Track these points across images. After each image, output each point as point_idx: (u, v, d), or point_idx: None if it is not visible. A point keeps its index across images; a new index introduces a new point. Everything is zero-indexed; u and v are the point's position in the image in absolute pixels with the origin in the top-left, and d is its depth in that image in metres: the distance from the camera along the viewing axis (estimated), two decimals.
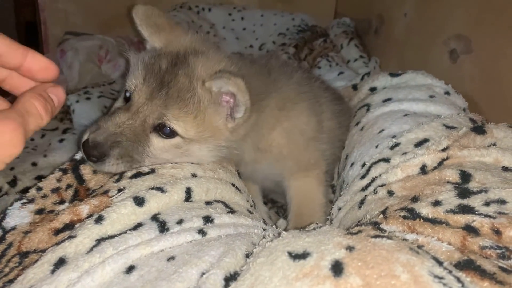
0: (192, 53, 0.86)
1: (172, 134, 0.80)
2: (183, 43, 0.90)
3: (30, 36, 3.31)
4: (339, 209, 0.87)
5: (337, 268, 0.46)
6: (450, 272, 0.46)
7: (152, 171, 0.75)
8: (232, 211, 0.72)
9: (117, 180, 0.73)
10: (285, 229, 1.03)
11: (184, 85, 0.81)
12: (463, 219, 0.59)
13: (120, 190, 0.69)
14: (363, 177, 0.85)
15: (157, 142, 0.81)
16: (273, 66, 1.03)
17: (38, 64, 0.60)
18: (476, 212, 0.59)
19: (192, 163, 0.83)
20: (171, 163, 0.81)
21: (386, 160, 0.82)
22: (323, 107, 1.08)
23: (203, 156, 0.85)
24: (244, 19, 2.19)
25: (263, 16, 2.21)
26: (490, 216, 0.57)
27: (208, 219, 0.65)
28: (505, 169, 0.69)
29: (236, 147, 0.89)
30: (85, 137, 0.77)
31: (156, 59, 0.84)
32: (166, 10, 2.08)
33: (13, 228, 0.65)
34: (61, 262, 0.57)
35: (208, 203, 0.71)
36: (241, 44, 2.12)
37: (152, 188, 0.68)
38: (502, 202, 0.60)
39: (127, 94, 0.85)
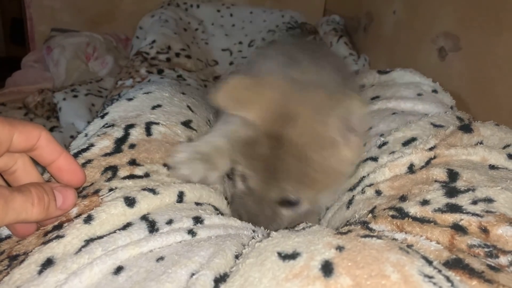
0: (281, 126, 0.76)
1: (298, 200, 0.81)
2: (273, 113, 0.78)
3: (16, 32, 3.26)
4: (327, 208, 0.87)
5: (327, 269, 0.46)
6: (439, 271, 0.46)
7: (146, 175, 0.74)
8: (221, 213, 0.72)
9: (109, 179, 0.72)
10: None
11: (293, 164, 0.76)
12: (451, 218, 0.59)
13: (111, 189, 0.67)
14: (350, 176, 0.85)
15: (286, 213, 0.82)
16: None
17: (69, 165, 0.61)
18: (464, 211, 0.59)
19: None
20: None
21: (374, 159, 0.82)
22: None
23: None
24: (233, 15, 2.17)
25: (252, 13, 2.20)
26: (477, 215, 0.58)
27: (198, 220, 0.65)
28: (491, 167, 0.70)
29: None
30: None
31: (252, 143, 0.77)
32: (154, 8, 2.06)
33: (8, 237, 0.64)
34: (48, 263, 0.55)
35: (198, 204, 0.71)
36: (230, 41, 2.10)
37: (144, 189, 0.67)
38: (489, 200, 0.60)
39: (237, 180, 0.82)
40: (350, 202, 0.79)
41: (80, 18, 2.20)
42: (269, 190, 0.78)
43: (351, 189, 0.82)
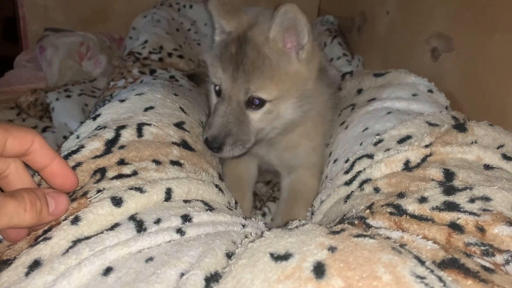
0: (248, 29, 0.98)
1: (261, 103, 0.95)
2: (242, 24, 1.01)
3: (9, 32, 3.24)
4: (322, 202, 0.87)
5: (319, 270, 0.46)
6: (432, 271, 0.46)
7: (134, 173, 0.73)
8: (210, 208, 0.71)
9: (98, 181, 0.71)
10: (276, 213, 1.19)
11: (254, 56, 0.93)
12: (448, 216, 0.59)
13: (99, 191, 0.67)
14: (346, 172, 0.85)
15: (253, 115, 0.96)
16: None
17: (62, 170, 0.62)
18: (461, 210, 0.59)
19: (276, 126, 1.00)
20: (266, 134, 0.99)
21: (370, 156, 0.82)
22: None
23: (290, 114, 0.98)
24: None
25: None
26: (474, 214, 0.58)
27: (186, 218, 0.64)
28: (486, 167, 0.69)
29: (312, 97, 1.00)
30: (204, 136, 0.92)
31: (226, 47, 0.97)
32: (148, 7, 2.05)
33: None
34: (36, 265, 0.55)
35: (186, 201, 0.70)
36: None
37: (131, 188, 0.66)
38: (486, 199, 0.60)
39: (217, 88, 1.01)
40: (348, 197, 0.79)
41: (73, 17, 2.18)
42: (237, 91, 0.95)
43: (347, 183, 0.82)
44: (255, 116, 0.96)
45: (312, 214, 0.91)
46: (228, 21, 1.02)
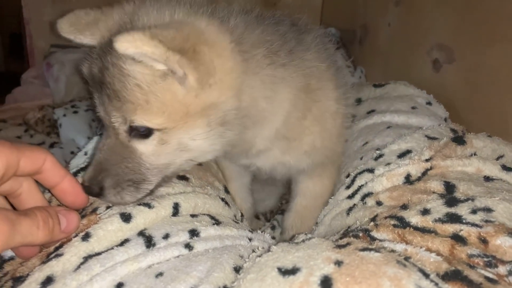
0: (116, 33, 0.65)
1: (148, 131, 0.70)
2: (111, 27, 0.75)
3: (15, 48, 3.29)
4: (324, 215, 0.89)
5: (326, 284, 0.47)
6: (436, 284, 0.47)
7: None
8: (217, 222, 0.72)
9: None
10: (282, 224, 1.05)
11: (115, 74, 0.67)
12: (451, 228, 0.60)
13: (108, 207, 0.68)
14: (348, 186, 0.86)
15: (141, 146, 0.71)
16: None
17: (73, 188, 0.64)
18: (464, 221, 0.60)
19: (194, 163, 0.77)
20: (178, 168, 0.74)
21: (371, 170, 0.83)
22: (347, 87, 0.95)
23: (200, 146, 0.72)
24: None
25: None
26: (477, 225, 0.58)
27: (194, 233, 0.65)
28: (486, 178, 0.70)
29: (239, 129, 0.75)
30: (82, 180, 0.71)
31: (90, 64, 0.73)
32: None
33: (11, 258, 0.65)
34: (48, 281, 0.56)
35: (193, 216, 0.71)
36: None
37: (140, 204, 0.68)
38: (488, 210, 0.61)
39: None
40: (350, 209, 0.80)
41: None
42: (114, 119, 0.70)
43: (349, 197, 0.83)
44: (146, 149, 0.71)
45: (316, 224, 0.92)
46: (90, 35, 0.77)
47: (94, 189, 0.69)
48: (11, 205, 0.62)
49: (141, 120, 0.68)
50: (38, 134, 1.65)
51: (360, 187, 0.82)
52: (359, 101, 1.20)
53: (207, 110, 0.71)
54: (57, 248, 0.61)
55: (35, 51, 2.27)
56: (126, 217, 0.65)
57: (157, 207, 0.68)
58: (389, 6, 1.60)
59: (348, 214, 0.79)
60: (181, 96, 0.69)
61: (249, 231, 0.74)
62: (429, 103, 1.06)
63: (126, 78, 0.67)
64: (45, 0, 2.18)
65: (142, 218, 0.65)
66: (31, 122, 1.65)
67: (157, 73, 0.67)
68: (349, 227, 0.75)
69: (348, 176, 0.89)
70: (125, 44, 0.58)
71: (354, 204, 0.80)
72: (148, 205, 0.68)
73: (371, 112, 1.07)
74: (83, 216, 0.67)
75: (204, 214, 0.73)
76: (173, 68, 0.65)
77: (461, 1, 1.18)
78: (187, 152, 0.73)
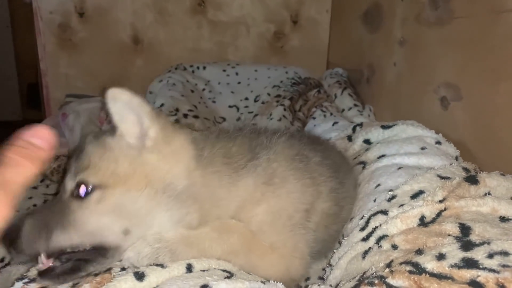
0: None
1: (91, 190, 0.69)
2: None
3: (32, 97, 3.40)
4: (339, 258, 0.87)
5: None
6: None
7: None
8: (229, 275, 0.72)
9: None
10: None
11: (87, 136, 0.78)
12: (468, 274, 0.59)
13: (123, 269, 0.69)
14: (362, 229, 0.85)
15: (81, 208, 0.69)
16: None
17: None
18: (481, 266, 0.59)
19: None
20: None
21: (384, 212, 0.83)
22: (320, 187, 0.93)
23: (151, 212, 0.72)
24: (238, 74, 2.25)
25: (257, 70, 2.27)
26: (494, 271, 0.57)
27: None
28: (502, 219, 0.70)
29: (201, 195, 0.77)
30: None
31: None
32: (162, 71, 2.15)
33: None
34: None
35: (204, 270, 0.72)
36: (236, 97, 2.16)
37: (153, 264, 0.69)
38: (505, 253, 0.60)
39: None
40: (365, 252, 0.79)
41: (93, 83, 2.29)
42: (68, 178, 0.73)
43: (364, 239, 0.82)
44: (84, 209, 0.69)
45: (331, 268, 0.90)
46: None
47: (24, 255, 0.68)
48: None
49: (83, 173, 0.71)
50: (54, 183, 1.67)
51: (374, 229, 0.82)
52: (368, 142, 1.21)
53: (157, 176, 0.74)
54: None
55: (51, 102, 2.34)
56: (140, 276, 0.66)
57: (171, 267, 0.69)
58: (394, 47, 1.63)
59: (363, 258, 0.78)
60: (135, 156, 0.74)
61: (262, 282, 0.73)
62: (438, 143, 1.07)
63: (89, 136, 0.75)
64: (62, 52, 2.26)
65: (155, 277, 0.66)
66: (47, 172, 1.68)
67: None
68: (364, 272, 0.74)
69: (362, 218, 0.89)
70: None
71: (370, 247, 0.79)
72: (162, 265, 0.69)
73: (381, 156, 1.07)
74: (96, 274, 0.68)
75: (215, 269, 0.74)
76: (143, 123, 0.74)
77: (465, 39, 1.20)
78: (134, 219, 0.72)
